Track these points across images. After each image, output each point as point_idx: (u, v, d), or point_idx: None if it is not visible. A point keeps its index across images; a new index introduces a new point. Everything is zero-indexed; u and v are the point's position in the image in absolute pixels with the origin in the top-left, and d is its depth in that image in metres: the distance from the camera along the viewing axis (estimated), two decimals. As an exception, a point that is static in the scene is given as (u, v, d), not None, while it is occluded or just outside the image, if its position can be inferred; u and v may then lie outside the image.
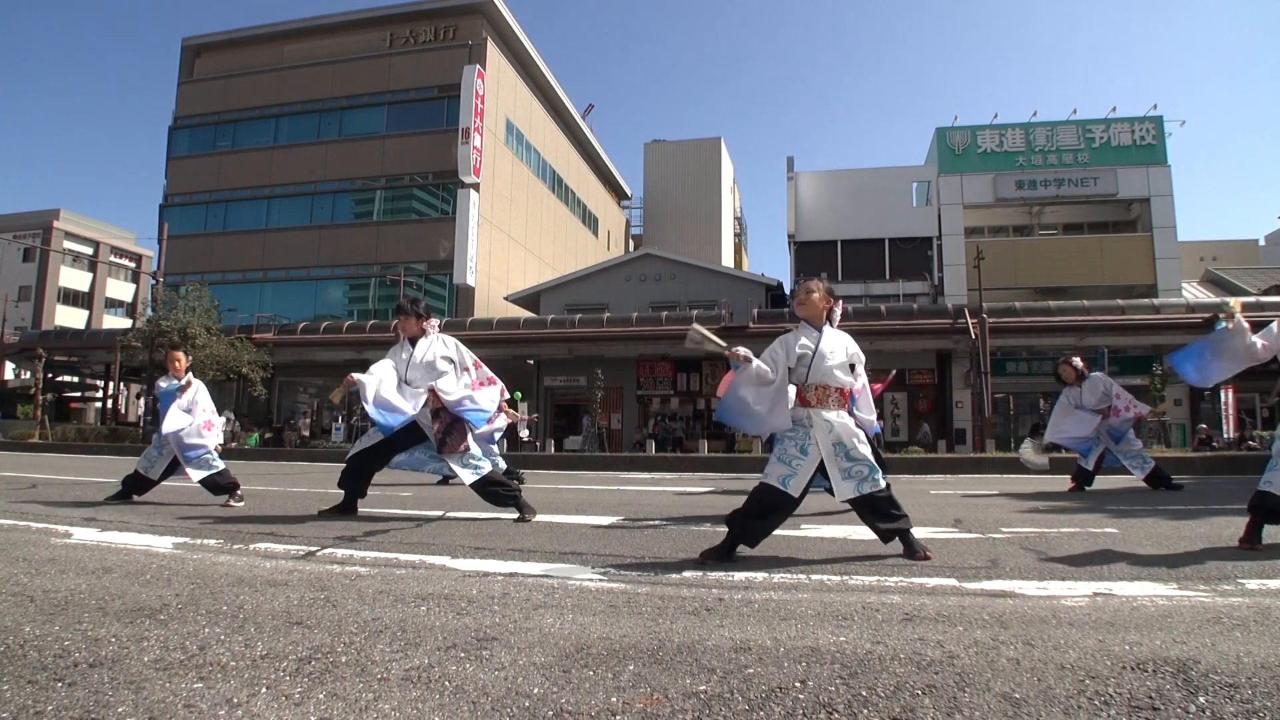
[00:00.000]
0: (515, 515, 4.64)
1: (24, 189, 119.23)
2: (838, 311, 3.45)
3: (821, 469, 3.21)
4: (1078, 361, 7.16)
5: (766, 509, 3.17)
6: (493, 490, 4.59)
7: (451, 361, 4.66)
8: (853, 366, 3.35)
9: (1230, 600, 2.42)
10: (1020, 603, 2.40)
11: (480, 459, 4.62)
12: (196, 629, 2.05)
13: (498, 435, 7.65)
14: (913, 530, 3.23)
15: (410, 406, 4.44)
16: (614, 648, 1.89)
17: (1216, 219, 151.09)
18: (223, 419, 22.13)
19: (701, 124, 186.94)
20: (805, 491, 3.21)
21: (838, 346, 3.34)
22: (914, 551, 3.16)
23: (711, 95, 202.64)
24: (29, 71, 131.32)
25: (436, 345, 4.67)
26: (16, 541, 3.60)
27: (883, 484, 3.20)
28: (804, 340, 3.32)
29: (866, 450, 3.23)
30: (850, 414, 3.37)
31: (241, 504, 5.34)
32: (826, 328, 3.38)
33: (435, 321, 4.80)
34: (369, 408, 4.36)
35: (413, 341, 4.68)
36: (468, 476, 4.54)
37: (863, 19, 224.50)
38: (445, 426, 4.51)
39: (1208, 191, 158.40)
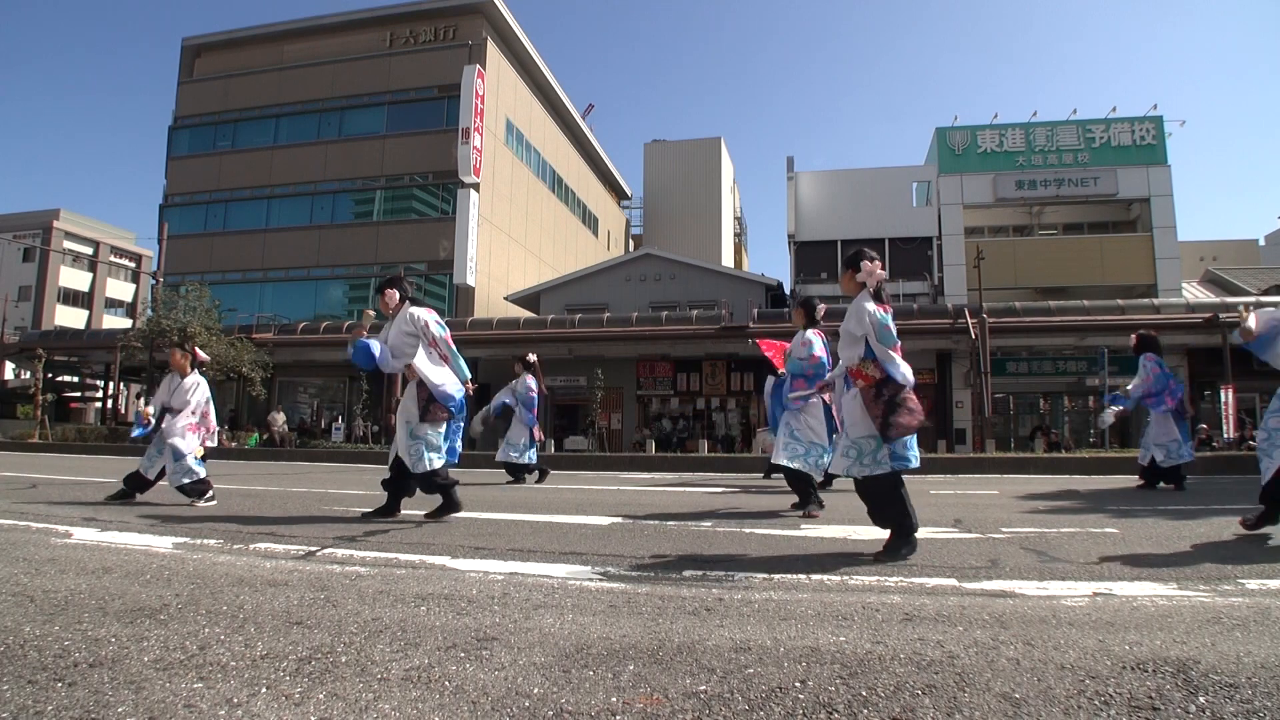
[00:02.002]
0: (438, 506, 4.60)
1: (24, 189, 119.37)
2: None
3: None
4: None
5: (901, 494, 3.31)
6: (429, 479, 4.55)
7: (415, 338, 4.60)
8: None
9: (1230, 600, 2.42)
10: (1020, 603, 2.40)
11: (437, 453, 4.55)
12: (196, 629, 2.05)
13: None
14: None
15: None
16: (614, 648, 1.89)
17: (1216, 219, 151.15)
18: (281, 416, 22.13)
19: (701, 124, 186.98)
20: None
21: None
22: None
23: (711, 95, 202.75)
24: (29, 71, 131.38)
25: (400, 323, 4.61)
26: (16, 541, 3.60)
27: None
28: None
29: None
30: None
31: (212, 503, 5.36)
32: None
33: (393, 293, 4.71)
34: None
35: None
36: (419, 466, 4.47)
37: (863, 19, 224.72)
38: (427, 397, 4.52)
39: (1208, 191, 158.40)
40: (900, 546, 3.21)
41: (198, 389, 5.76)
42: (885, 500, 3.29)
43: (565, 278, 27.44)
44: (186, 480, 5.48)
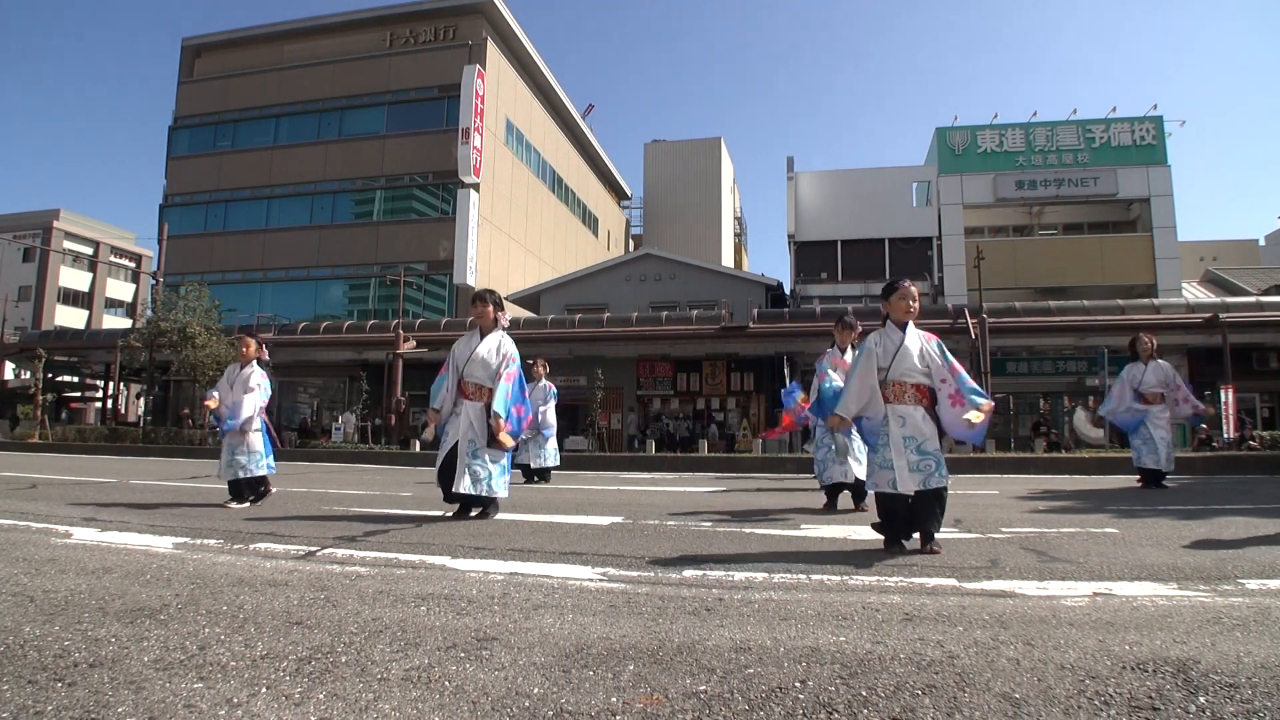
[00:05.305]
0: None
1: (24, 189, 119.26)
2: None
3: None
4: (1155, 341, 7.43)
5: (896, 518, 3.40)
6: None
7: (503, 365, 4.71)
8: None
9: (1230, 600, 2.42)
10: (1020, 603, 2.40)
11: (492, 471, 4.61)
12: (196, 629, 2.05)
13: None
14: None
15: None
16: (614, 648, 1.89)
17: (1216, 219, 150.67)
18: (351, 417, 21.67)
19: (701, 124, 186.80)
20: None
21: (914, 346, 3.56)
22: (930, 545, 3.36)
23: (711, 95, 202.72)
24: (29, 71, 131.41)
25: (503, 345, 4.73)
26: (16, 541, 3.60)
27: (946, 482, 3.38)
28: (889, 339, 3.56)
29: (935, 446, 3.40)
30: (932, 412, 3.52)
31: (245, 505, 5.36)
32: (910, 326, 3.63)
33: (506, 317, 4.87)
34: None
35: (483, 333, 4.74)
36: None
37: (863, 19, 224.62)
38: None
39: (1208, 191, 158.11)
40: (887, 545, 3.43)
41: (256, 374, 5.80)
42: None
43: (565, 278, 27.44)
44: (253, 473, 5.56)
